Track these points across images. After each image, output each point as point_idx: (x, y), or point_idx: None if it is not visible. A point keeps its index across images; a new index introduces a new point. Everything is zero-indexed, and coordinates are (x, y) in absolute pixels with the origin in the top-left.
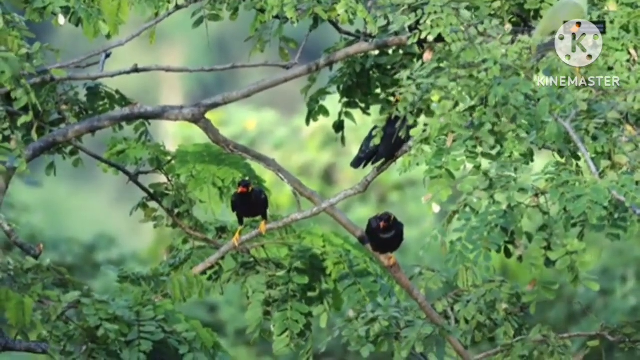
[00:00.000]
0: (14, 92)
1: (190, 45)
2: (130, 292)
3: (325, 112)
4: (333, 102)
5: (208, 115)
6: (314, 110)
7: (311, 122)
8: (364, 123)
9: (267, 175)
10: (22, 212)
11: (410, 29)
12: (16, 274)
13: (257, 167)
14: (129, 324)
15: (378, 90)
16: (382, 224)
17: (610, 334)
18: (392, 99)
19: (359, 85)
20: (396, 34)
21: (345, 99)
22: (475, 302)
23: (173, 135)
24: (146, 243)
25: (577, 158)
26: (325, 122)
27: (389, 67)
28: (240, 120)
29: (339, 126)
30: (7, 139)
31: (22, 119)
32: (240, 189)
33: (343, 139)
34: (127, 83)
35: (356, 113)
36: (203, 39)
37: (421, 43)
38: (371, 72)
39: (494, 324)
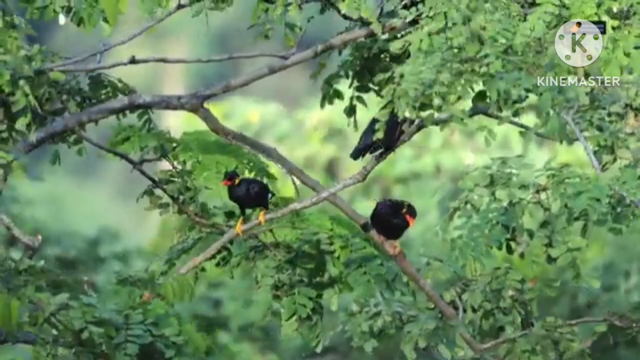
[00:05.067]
0: (12, 96)
1: (194, 42)
2: (124, 294)
3: (340, 96)
4: (343, 87)
5: (212, 109)
6: (329, 94)
7: (314, 115)
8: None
9: (275, 167)
10: (25, 206)
11: (412, 22)
12: (8, 274)
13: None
14: (117, 327)
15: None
16: (405, 213)
17: (617, 319)
18: (377, 89)
19: (369, 69)
20: (390, 15)
21: (356, 83)
22: (482, 290)
23: (175, 129)
24: (150, 237)
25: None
26: (328, 115)
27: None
28: (243, 113)
29: (350, 110)
30: (4, 140)
31: (20, 121)
32: (223, 182)
33: (355, 123)
34: (129, 79)
35: (367, 97)
36: (207, 34)
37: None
38: (381, 56)
39: (503, 313)
